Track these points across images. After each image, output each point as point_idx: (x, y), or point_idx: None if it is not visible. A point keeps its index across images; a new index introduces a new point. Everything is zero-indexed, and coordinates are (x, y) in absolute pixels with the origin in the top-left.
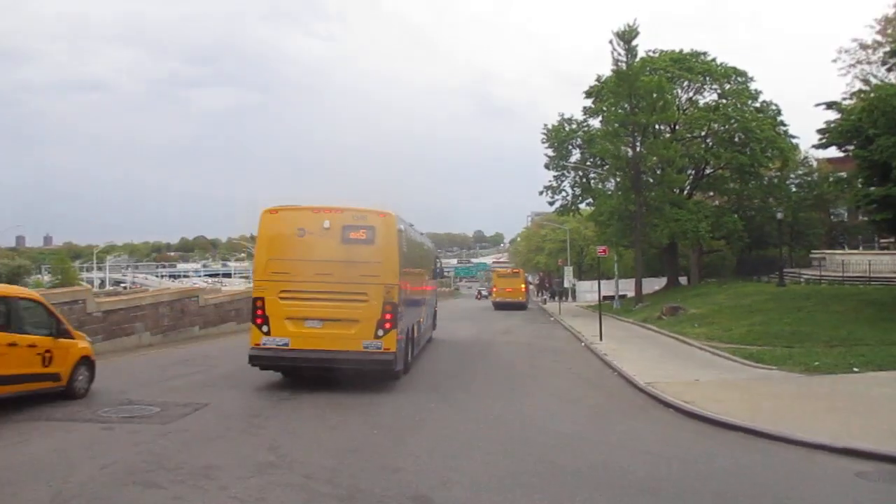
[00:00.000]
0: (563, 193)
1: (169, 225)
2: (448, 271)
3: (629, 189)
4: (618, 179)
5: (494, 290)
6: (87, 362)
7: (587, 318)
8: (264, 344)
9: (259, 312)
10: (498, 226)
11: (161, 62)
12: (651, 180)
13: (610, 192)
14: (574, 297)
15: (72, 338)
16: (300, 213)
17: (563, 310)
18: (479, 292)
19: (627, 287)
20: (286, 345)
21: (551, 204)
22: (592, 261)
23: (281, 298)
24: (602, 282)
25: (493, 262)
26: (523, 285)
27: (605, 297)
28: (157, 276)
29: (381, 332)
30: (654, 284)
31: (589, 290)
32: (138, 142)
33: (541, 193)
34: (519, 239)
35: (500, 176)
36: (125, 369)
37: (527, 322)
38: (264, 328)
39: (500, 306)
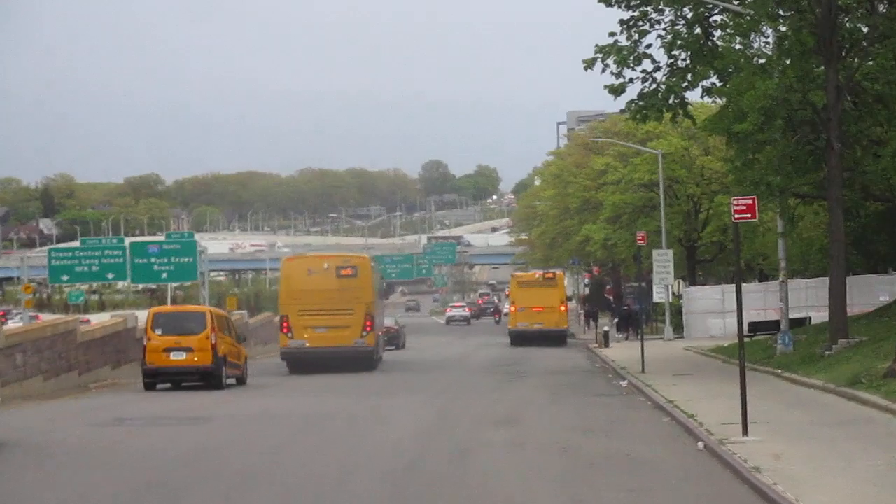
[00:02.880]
0: (645, 65)
1: None
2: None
3: (808, 53)
4: (781, 28)
5: (512, 309)
6: (246, 359)
7: (711, 380)
8: (290, 345)
9: (286, 324)
10: (486, 156)
11: None
12: (863, 28)
13: (762, 62)
14: (679, 328)
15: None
16: (309, 259)
17: (653, 358)
18: (498, 307)
19: (809, 299)
20: (304, 344)
21: (616, 92)
22: (723, 237)
23: (299, 314)
24: (747, 287)
25: (504, 247)
26: (562, 302)
27: (755, 327)
28: None
29: (364, 333)
30: (873, 291)
31: (715, 311)
32: None
33: (589, 67)
34: (538, 181)
35: (486, 42)
36: None
37: (560, 392)
38: (289, 335)
39: (521, 338)
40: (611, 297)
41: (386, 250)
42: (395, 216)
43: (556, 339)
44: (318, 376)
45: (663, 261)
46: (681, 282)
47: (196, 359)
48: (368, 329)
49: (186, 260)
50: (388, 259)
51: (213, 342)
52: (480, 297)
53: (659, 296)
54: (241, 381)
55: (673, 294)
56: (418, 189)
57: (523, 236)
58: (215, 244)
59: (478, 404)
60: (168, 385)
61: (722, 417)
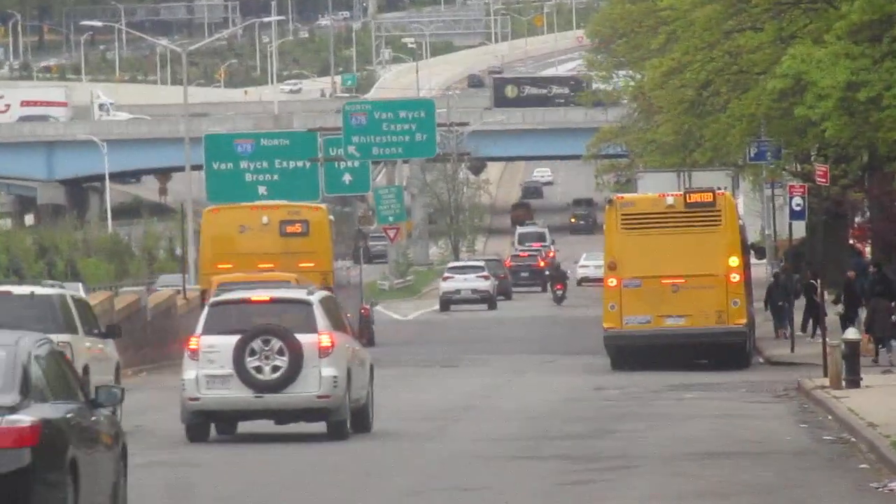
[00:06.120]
0: None
1: None
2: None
3: None
4: None
5: (613, 282)
6: None
7: None
8: None
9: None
10: None
11: None
12: None
13: None
14: None
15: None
16: (241, 210)
17: None
18: (558, 268)
19: None
20: None
21: None
22: None
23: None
24: None
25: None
26: (734, 261)
27: None
28: None
29: None
30: None
31: None
32: None
33: None
34: None
35: None
36: None
37: None
38: None
39: (636, 352)
40: (861, 249)
41: (245, 123)
42: (266, 25)
43: (721, 353)
44: None
45: None
46: None
47: None
48: None
49: None
50: (242, 147)
51: None
52: (520, 241)
53: None
54: None
55: None
56: None
57: (620, 78)
58: None
59: None
60: None
61: None
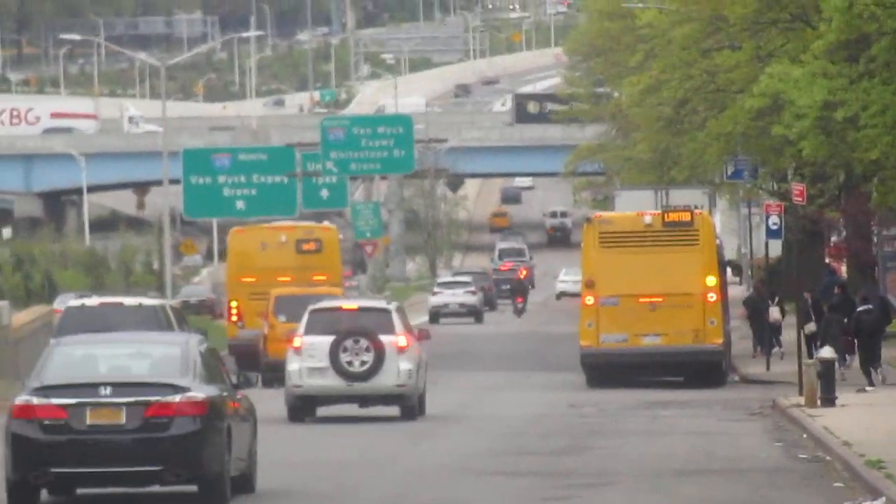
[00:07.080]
0: None
1: None
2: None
3: None
4: None
5: (590, 301)
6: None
7: None
8: (240, 336)
9: (236, 311)
10: None
11: None
12: None
13: None
14: None
15: None
16: (262, 230)
17: None
18: (521, 282)
19: None
20: (258, 335)
21: None
22: None
23: (251, 299)
24: None
25: None
26: (710, 280)
27: None
28: None
29: None
30: None
31: None
32: None
33: None
34: None
35: None
36: None
37: None
38: (240, 324)
39: (613, 370)
40: (837, 268)
41: (223, 138)
42: (245, 40)
43: (697, 371)
44: None
45: None
46: None
47: None
48: None
49: None
50: (220, 162)
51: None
52: (500, 257)
53: None
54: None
55: None
56: None
57: (601, 92)
58: None
59: None
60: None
61: None
